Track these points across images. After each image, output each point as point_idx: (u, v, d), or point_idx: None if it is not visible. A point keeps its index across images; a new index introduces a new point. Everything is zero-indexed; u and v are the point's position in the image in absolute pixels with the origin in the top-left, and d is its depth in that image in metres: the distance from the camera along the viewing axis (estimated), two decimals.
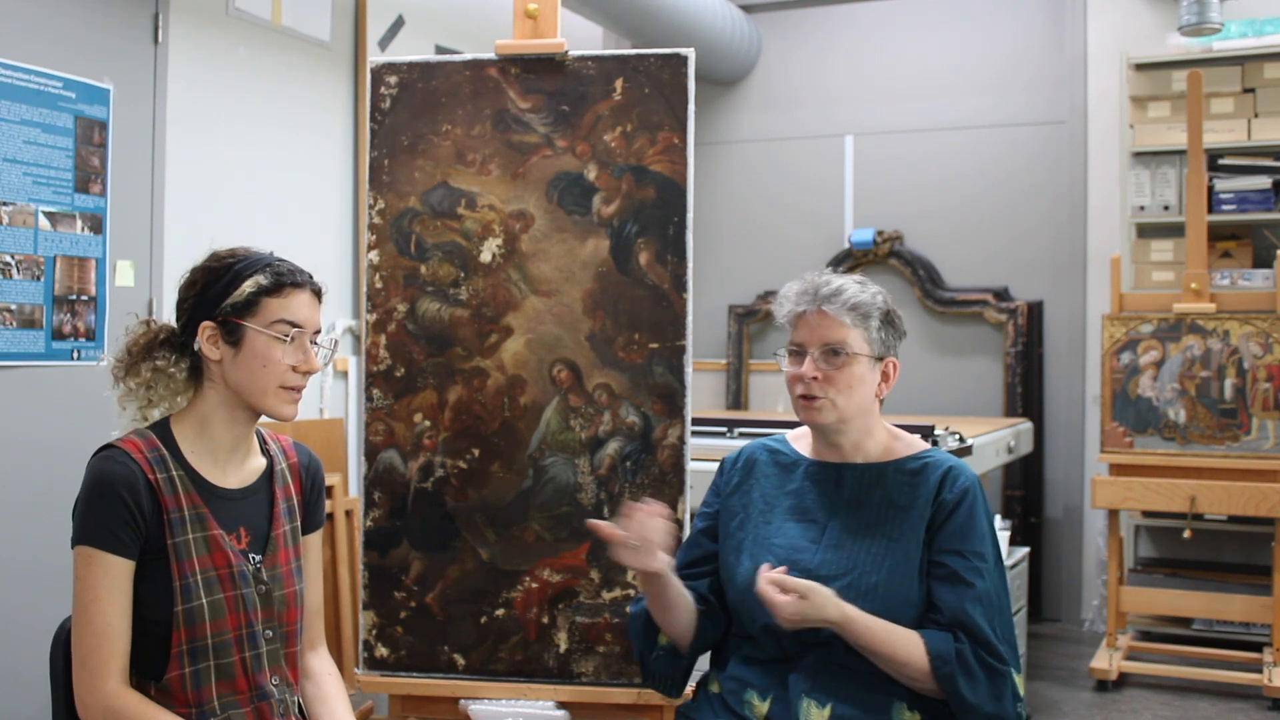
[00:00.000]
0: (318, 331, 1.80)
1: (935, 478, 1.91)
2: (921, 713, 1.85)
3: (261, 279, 1.74)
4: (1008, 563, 3.59)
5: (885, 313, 1.95)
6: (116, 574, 1.63)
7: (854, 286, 1.94)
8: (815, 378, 1.89)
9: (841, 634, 1.81)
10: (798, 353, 1.94)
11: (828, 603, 1.79)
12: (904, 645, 1.80)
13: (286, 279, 1.75)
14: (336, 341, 1.93)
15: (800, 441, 2.05)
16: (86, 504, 1.65)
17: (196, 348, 1.74)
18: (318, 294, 1.80)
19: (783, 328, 2.01)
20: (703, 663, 2.11)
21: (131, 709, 1.62)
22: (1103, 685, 4.24)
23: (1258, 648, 4.31)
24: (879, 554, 1.87)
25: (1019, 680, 1.86)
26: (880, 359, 1.95)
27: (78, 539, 1.65)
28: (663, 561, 1.89)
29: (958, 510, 1.88)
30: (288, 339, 1.74)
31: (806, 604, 1.78)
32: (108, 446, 1.70)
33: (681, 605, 1.98)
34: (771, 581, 1.79)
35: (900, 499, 1.91)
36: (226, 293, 1.73)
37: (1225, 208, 4.73)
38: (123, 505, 1.64)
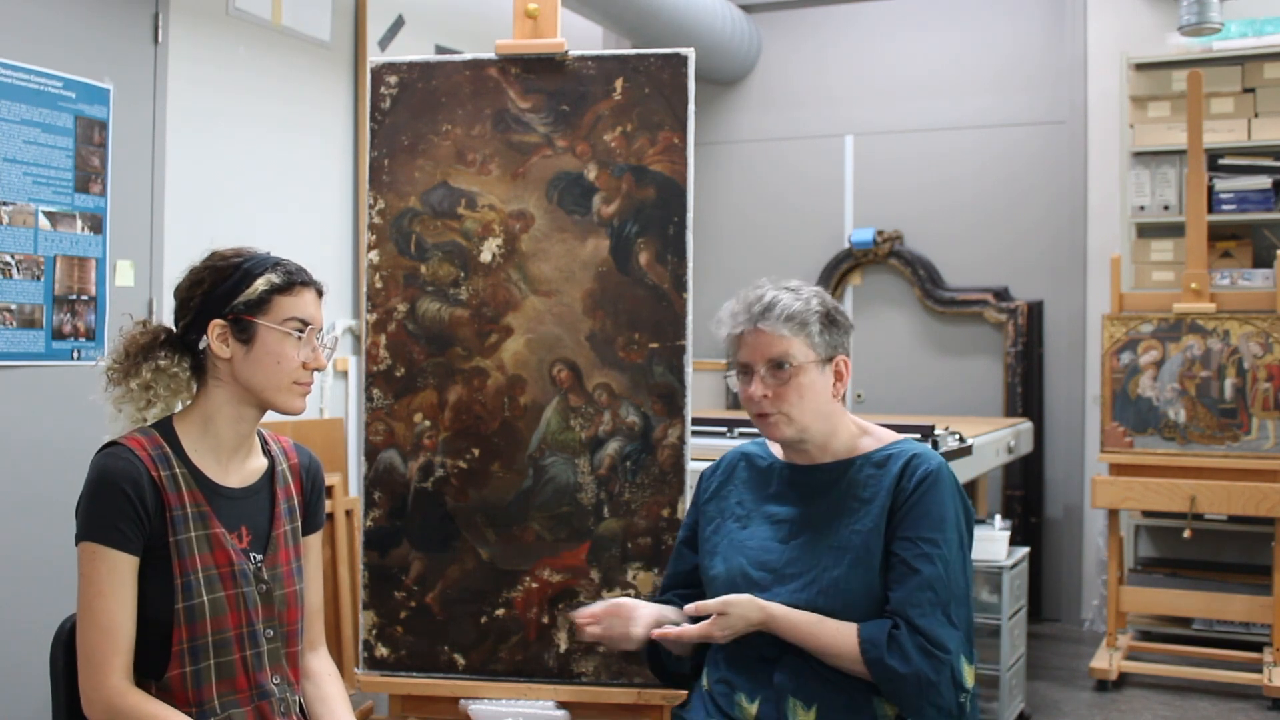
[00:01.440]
0: (320, 329, 1.82)
1: (897, 468, 1.90)
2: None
3: (274, 277, 1.76)
4: (1008, 563, 3.59)
5: (824, 314, 1.94)
6: (121, 570, 1.63)
7: (787, 296, 1.93)
8: (766, 395, 1.91)
9: (772, 632, 1.86)
10: (745, 372, 1.94)
11: (749, 608, 1.86)
12: (831, 636, 1.82)
13: (296, 277, 1.78)
14: (336, 339, 1.95)
15: (776, 444, 2.06)
16: (90, 500, 1.65)
17: (203, 346, 1.75)
18: (320, 293, 1.83)
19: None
20: None
21: (136, 705, 1.62)
22: (1103, 685, 4.24)
23: (1258, 648, 4.31)
24: (841, 549, 1.88)
25: (968, 671, 1.82)
26: (829, 360, 1.94)
27: (82, 535, 1.65)
28: (643, 630, 1.97)
29: (913, 497, 1.87)
30: (299, 336, 1.75)
31: (727, 618, 1.86)
32: (112, 443, 1.70)
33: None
34: (688, 614, 1.89)
35: (864, 492, 1.91)
36: (237, 291, 1.74)
37: (1225, 208, 4.73)
38: (127, 501, 1.64)
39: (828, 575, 1.86)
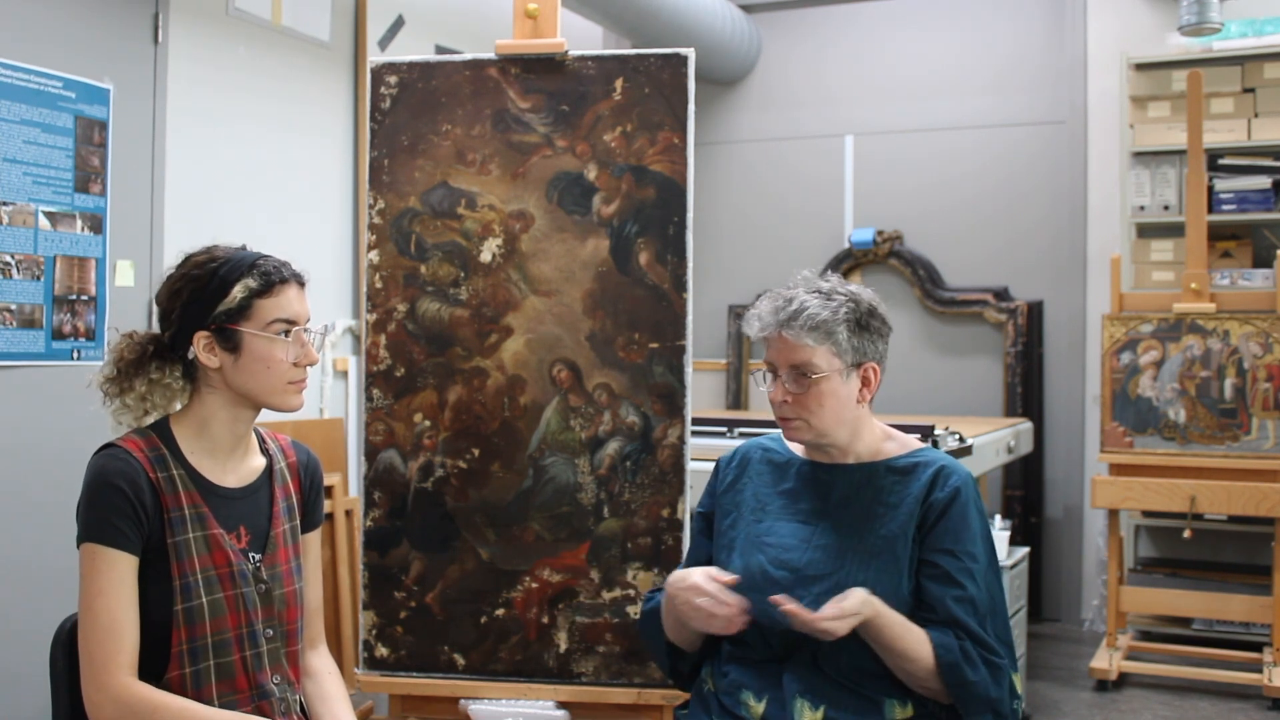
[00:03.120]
0: (308, 320, 1.79)
1: (926, 477, 1.90)
2: (915, 705, 1.85)
3: (251, 282, 1.72)
4: (1008, 562, 3.59)
5: (855, 321, 1.90)
6: (121, 569, 1.63)
7: (815, 303, 1.89)
8: (787, 400, 1.91)
9: (869, 629, 1.79)
10: (772, 372, 1.94)
11: (865, 605, 1.78)
12: (915, 640, 1.81)
13: (275, 277, 1.74)
14: (327, 327, 1.92)
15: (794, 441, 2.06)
16: (89, 501, 1.65)
17: (192, 356, 1.73)
18: (301, 284, 1.79)
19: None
20: None
21: (145, 696, 1.61)
22: (1103, 685, 4.24)
23: (1258, 648, 4.31)
24: (867, 553, 1.88)
25: (1017, 680, 1.87)
26: (856, 366, 1.92)
27: (82, 537, 1.64)
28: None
29: (949, 510, 1.87)
30: (286, 337, 1.74)
31: (859, 616, 1.77)
32: (108, 445, 1.70)
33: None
34: (834, 615, 1.75)
35: (890, 498, 1.91)
36: (216, 300, 1.71)
37: (1225, 208, 4.73)
38: (125, 500, 1.63)
39: (853, 578, 1.85)
